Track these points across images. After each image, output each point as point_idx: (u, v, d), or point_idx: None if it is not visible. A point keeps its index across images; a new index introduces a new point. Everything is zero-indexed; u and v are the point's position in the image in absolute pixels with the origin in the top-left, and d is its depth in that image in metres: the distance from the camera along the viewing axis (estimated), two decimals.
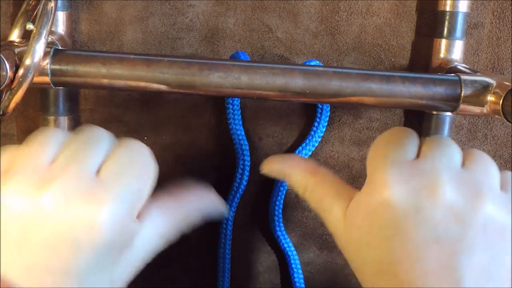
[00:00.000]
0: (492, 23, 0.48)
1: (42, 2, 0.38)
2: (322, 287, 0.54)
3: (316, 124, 0.49)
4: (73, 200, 0.32)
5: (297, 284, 0.52)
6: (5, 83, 0.36)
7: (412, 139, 0.37)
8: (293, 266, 0.52)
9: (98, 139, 0.36)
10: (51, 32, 0.44)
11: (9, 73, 0.36)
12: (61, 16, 0.46)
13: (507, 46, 0.49)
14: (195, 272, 0.54)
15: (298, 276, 0.53)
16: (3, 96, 0.37)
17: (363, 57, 0.49)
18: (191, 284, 0.54)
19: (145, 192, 0.35)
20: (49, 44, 0.39)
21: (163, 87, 0.39)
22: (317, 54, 0.49)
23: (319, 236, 0.53)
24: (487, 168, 0.37)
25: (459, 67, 0.45)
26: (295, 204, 0.52)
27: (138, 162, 0.36)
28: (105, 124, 0.50)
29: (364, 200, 0.36)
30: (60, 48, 0.40)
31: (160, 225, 0.38)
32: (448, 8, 0.46)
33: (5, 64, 0.36)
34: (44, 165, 0.33)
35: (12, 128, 0.51)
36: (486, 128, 0.50)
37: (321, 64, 0.48)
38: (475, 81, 0.39)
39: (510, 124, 0.36)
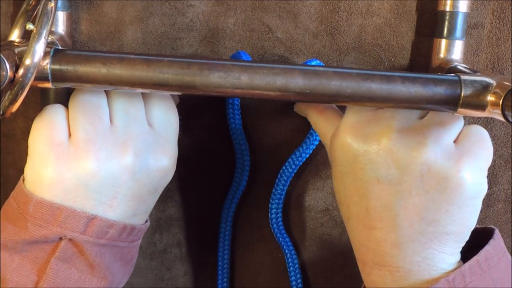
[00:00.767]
0: (492, 23, 0.49)
1: (42, 2, 0.38)
2: (321, 287, 0.54)
3: None
4: (147, 156, 0.40)
5: (297, 284, 0.52)
6: (5, 83, 0.36)
7: None
8: (292, 266, 0.52)
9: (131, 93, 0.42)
10: (51, 32, 0.44)
11: (9, 73, 0.36)
12: (61, 16, 0.46)
13: (507, 46, 0.49)
14: (195, 272, 0.54)
15: (297, 276, 0.53)
16: (3, 96, 0.37)
17: (363, 57, 0.49)
18: (191, 284, 0.54)
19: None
20: (49, 44, 0.39)
21: (163, 87, 0.39)
22: (317, 54, 0.49)
23: (319, 236, 0.53)
24: (444, 121, 0.40)
25: (459, 67, 0.45)
26: (295, 204, 0.52)
27: (170, 106, 0.43)
28: None
29: (332, 140, 0.42)
30: (60, 48, 0.40)
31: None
32: (448, 8, 0.46)
33: (5, 64, 0.36)
34: (108, 129, 0.40)
35: (12, 128, 0.51)
36: (486, 127, 0.50)
37: (321, 64, 0.48)
38: (475, 81, 0.39)
39: (510, 124, 0.36)
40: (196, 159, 0.51)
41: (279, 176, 0.50)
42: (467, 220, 0.39)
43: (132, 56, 0.39)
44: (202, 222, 0.53)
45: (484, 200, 0.51)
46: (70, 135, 0.40)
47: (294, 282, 0.53)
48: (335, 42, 0.49)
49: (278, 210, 0.51)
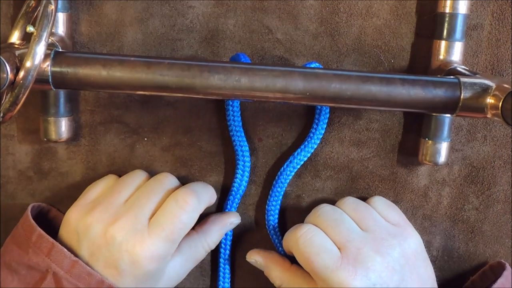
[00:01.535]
0: (492, 24, 0.49)
1: (43, 4, 0.38)
2: None
3: (315, 125, 0.49)
4: (127, 237, 0.44)
5: None
6: (6, 86, 0.36)
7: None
8: None
9: (161, 189, 0.47)
10: (51, 34, 0.44)
11: (10, 76, 0.36)
12: (61, 17, 0.46)
13: (507, 47, 0.49)
14: (195, 273, 0.54)
15: None
16: (4, 99, 0.37)
17: (362, 58, 0.49)
18: (191, 285, 0.54)
19: (181, 237, 0.46)
20: (49, 46, 0.39)
21: (163, 89, 0.39)
22: (317, 55, 0.49)
23: None
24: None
25: (458, 68, 0.45)
26: (294, 205, 0.52)
27: (181, 214, 0.45)
28: (105, 125, 0.50)
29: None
30: (60, 50, 0.40)
31: (188, 254, 0.48)
32: (447, 10, 0.46)
33: (6, 66, 0.36)
34: (120, 202, 0.46)
35: (12, 129, 0.51)
36: (485, 129, 0.51)
37: (321, 67, 0.48)
38: (475, 84, 0.39)
39: (509, 126, 0.37)
40: (196, 160, 0.51)
41: (276, 177, 0.50)
42: None
43: (132, 59, 0.39)
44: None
45: (483, 201, 0.52)
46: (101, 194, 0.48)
47: None
48: (335, 43, 0.49)
49: (275, 212, 0.51)
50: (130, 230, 0.44)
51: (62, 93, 0.48)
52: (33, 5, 0.40)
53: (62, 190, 0.52)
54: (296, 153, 0.50)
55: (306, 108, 0.50)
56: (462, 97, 0.39)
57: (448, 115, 0.47)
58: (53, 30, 0.45)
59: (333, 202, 0.52)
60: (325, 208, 0.48)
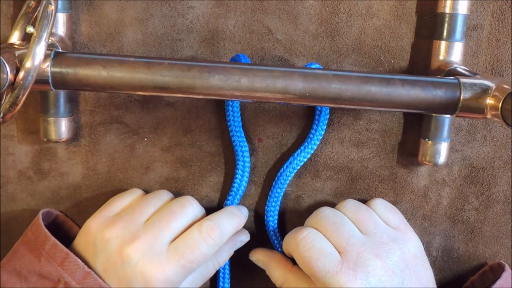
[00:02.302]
0: (492, 25, 0.49)
1: (43, 4, 0.38)
2: None
3: (315, 125, 0.49)
4: (143, 259, 0.43)
5: None
6: (6, 86, 0.36)
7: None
8: None
9: (183, 214, 0.47)
10: (51, 34, 0.44)
11: (10, 76, 0.36)
12: (61, 17, 0.46)
13: (507, 48, 0.49)
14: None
15: None
16: (4, 99, 0.37)
17: (362, 59, 0.49)
18: None
19: (198, 267, 0.46)
20: (49, 47, 0.39)
21: (163, 90, 0.39)
22: (317, 56, 0.49)
23: None
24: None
25: (458, 69, 0.45)
26: (294, 205, 0.53)
27: (202, 246, 0.45)
28: (105, 125, 0.50)
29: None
30: (60, 50, 0.40)
31: (199, 274, 0.49)
32: (447, 10, 0.46)
33: (6, 66, 0.36)
34: (141, 221, 0.46)
35: (12, 129, 0.51)
36: (485, 129, 0.51)
37: (321, 67, 0.48)
38: (474, 84, 0.39)
39: (509, 127, 0.37)
40: (196, 160, 0.51)
41: (276, 178, 0.50)
42: None
43: (132, 59, 0.39)
44: None
45: (483, 201, 0.52)
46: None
47: None
48: (335, 44, 0.49)
49: (275, 212, 0.51)
50: (147, 252, 0.44)
51: (62, 93, 0.48)
52: (33, 5, 0.40)
53: (62, 190, 0.52)
54: (296, 154, 0.50)
55: (306, 108, 0.50)
56: (462, 97, 0.39)
57: (448, 115, 0.47)
58: (53, 31, 0.45)
59: (333, 203, 0.52)
60: (326, 211, 0.48)
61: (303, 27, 0.49)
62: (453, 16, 0.46)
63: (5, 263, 0.46)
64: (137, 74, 0.38)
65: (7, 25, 0.48)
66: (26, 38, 0.40)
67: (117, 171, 0.51)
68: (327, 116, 0.49)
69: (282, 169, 0.50)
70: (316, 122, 0.49)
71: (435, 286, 0.47)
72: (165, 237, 0.45)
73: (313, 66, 0.47)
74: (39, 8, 0.40)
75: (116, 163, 0.51)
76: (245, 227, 0.52)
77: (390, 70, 0.49)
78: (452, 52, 0.47)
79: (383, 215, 0.48)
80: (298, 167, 0.50)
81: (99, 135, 0.51)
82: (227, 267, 0.52)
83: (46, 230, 0.45)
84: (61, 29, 0.46)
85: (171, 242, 0.45)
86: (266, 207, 0.51)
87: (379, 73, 0.41)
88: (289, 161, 0.50)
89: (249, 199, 0.53)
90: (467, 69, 0.45)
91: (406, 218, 0.50)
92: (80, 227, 0.48)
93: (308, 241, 0.45)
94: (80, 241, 0.46)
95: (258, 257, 0.51)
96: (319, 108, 0.49)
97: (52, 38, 0.44)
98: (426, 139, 0.48)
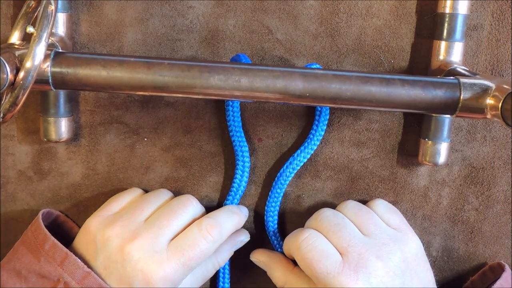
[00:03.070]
0: (492, 25, 0.49)
1: (43, 4, 0.38)
2: None
3: (315, 125, 0.49)
4: (144, 257, 0.43)
5: None
6: (6, 86, 0.36)
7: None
8: None
9: (184, 212, 0.47)
10: (51, 34, 0.44)
11: (10, 76, 0.36)
12: (61, 17, 0.46)
13: (507, 48, 0.49)
14: None
15: None
16: (4, 99, 0.37)
17: (362, 59, 0.49)
18: None
19: (198, 265, 0.45)
20: (49, 47, 0.39)
21: (163, 90, 0.39)
22: (317, 56, 0.49)
23: None
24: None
25: (458, 69, 0.45)
26: (294, 205, 0.53)
27: (202, 244, 0.45)
28: (105, 125, 0.50)
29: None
30: (60, 50, 0.40)
31: (199, 274, 0.49)
32: (447, 10, 0.46)
33: (6, 67, 0.36)
34: (141, 220, 0.46)
35: (12, 129, 0.51)
36: (485, 129, 0.51)
37: (321, 68, 0.48)
38: (474, 84, 0.39)
39: (509, 127, 0.36)
40: (196, 160, 0.51)
41: (276, 178, 0.50)
42: None
43: (132, 59, 0.39)
44: None
45: (483, 201, 0.52)
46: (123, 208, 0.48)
47: None
48: (335, 44, 0.49)
49: (275, 212, 0.51)
50: (148, 250, 0.44)
51: (62, 93, 0.48)
52: (33, 5, 0.40)
53: (62, 190, 0.52)
54: (296, 154, 0.50)
55: (306, 108, 0.50)
56: (461, 97, 0.39)
57: (448, 115, 0.47)
58: (53, 31, 0.45)
59: (333, 203, 0.52)
60: (327, 212, 0.48)
61: (303, 27, 0.49)
62: (453, 16, 0.46)
63: (5, 263, 0.46)
64: (137, 74, 0.38)
65: (7, 25, 0.48)
66: (26, 38, 0.40)
67: (117, 171, 0.51)
68: (327, 116, 0.49)
69: (282, 169, 0.50)
70: (316, 122, 0.49)
71: (436, 286, 0.47)
72: (165, 235, 0.45)
73: (313, 66, 0.47)
74: (39, 8, 0.40)
75: (116, 163, 0.51)
76: (245, 227, 0.52)
77: (390, 70, 0.49)
78: (452, 52, 0.47)
79: (384, 216, 0.48)
80: (298, 167, 0.50)
81: (99, 135, 0.51)
82: (227, 267, 0.52)
83: (46, 230, 0.46)
84: (61, 29, 0.46)
85: (171, 240, 0.45)
86: (266, 207, 0.51)
87: (379, 73, 0.41)
88: (289, 161, 0.50)
89: (249, 199, 0.53)
90: (467, 69, 0.45)
91: (406, 218, 0.50)
92: (80, 227, 0.48)
93: (309, 243, 0.45)
94: (81, 240, 0.46)
95: (259, 257, 0.51)
96: (319, 108, 0.49)
97: (52, 38, 0.44)
98: (426, 139, 0.48)
